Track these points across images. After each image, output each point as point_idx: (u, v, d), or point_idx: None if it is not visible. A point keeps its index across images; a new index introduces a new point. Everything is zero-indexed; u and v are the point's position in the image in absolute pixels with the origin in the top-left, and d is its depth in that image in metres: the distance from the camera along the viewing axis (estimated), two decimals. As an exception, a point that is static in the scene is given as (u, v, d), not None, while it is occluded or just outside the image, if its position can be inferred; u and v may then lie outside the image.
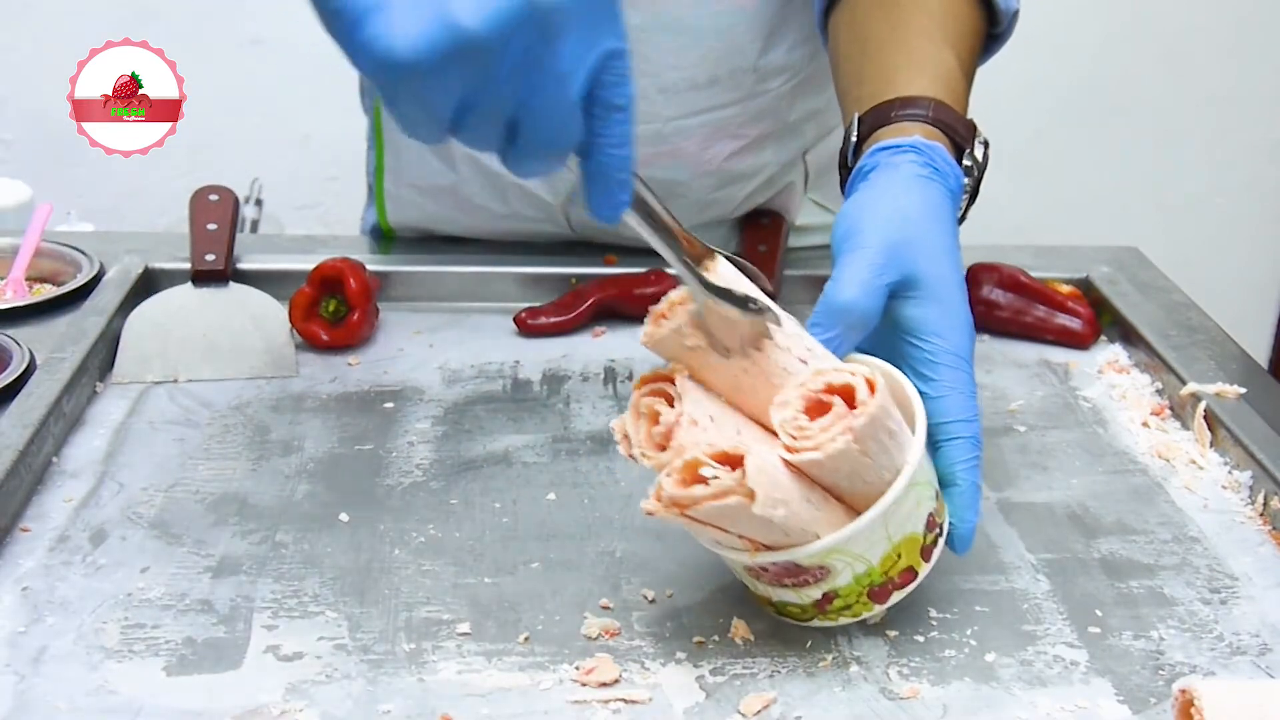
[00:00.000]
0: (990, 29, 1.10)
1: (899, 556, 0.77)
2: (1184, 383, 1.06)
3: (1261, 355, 2.67)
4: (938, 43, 1.02)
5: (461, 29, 0.61)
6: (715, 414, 0.76)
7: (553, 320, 1.19)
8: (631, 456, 0.75)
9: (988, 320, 1.20)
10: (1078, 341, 1.18)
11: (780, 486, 0.71)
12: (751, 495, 0.69)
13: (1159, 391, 1.10)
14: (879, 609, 0.79)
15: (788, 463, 0.73)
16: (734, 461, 0.70)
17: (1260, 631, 0.82)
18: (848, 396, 0.73)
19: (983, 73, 1.13)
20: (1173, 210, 2.60)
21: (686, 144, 1.22)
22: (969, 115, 0.98)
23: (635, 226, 0.74)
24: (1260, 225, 2.66)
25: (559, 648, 0.79)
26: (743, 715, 0.74)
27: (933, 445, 0.82)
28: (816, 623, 0.79)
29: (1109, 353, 1.18)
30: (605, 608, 0.83)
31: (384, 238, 1.37)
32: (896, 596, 0.78)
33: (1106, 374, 1.14)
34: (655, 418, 0.74)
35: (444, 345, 1.17)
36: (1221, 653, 0.80)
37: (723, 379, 0.77)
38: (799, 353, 0.77)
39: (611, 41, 0.66)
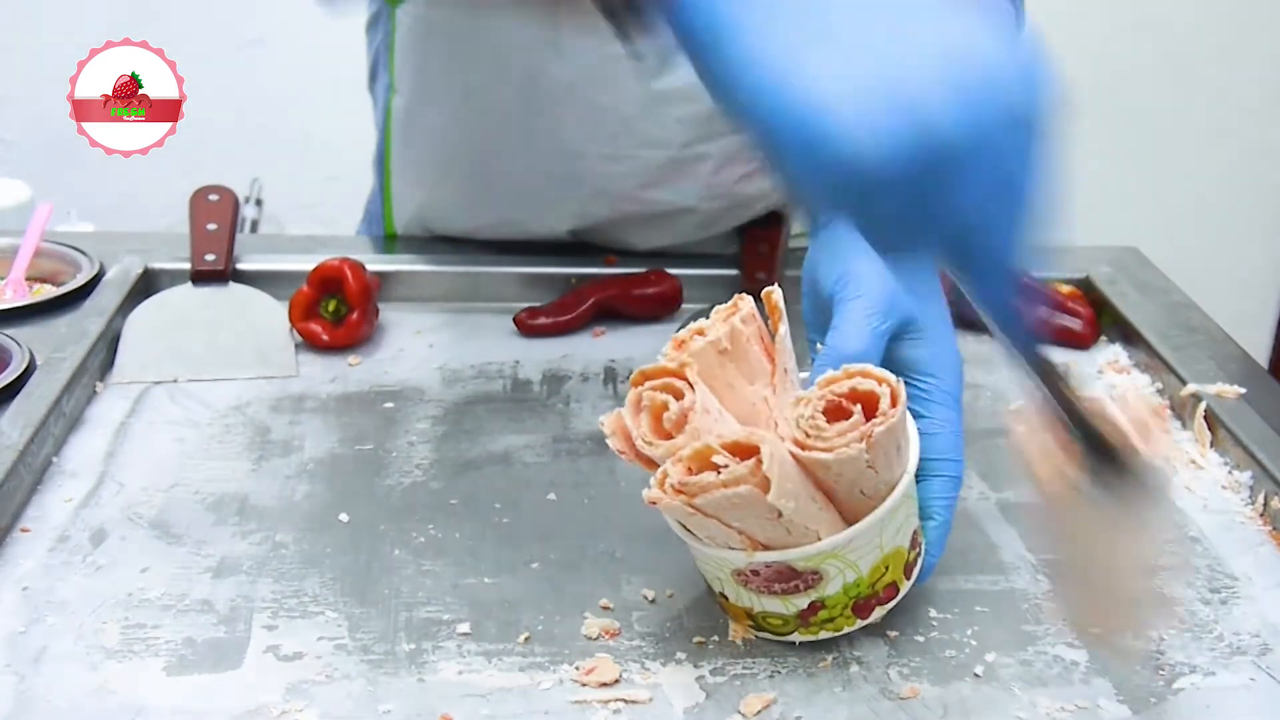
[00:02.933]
0: None
1: (886, 569, 0.77)
2: (1184, 383, 1.06)
3: (1261, 355, 2.67)
4: None
5: (938, 136, 0.53)
6: (718, 409, 0.76)
7: (553, 320, 1.19)
8: (622, 452, 0.74)
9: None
10: (1078, 341, 1.18)
11: (792, 479, 0.71)
12: (766, 485, 0.69)
13: (1159, 391, 1.10)
14: (859, 623, 0.78)
15: (796, 459, 0.73)
16: (744, 453, 0.70)
17: (1260, 631, 0.82)
18: (869, 404, 0.73)
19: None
20: (1173, 210, 2.59)
21: (699, 168, 1.22)
22: None
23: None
24: (1260, 225, 2.66)
25: (559, 648, 0.79)
26: (743, 715, 0.74)
27: (918, 479, 0.82)
28: (796, 636, 0.78)
29: (1109, 353, 1.18)
30: (605, 608, 0.83)
31: (385, 235, 1.37)
32: (878, 612, 0.78)
33: (1106, 374, 1.14)
34: (659, 410, 0.74)
35: (444, 345, 1.17)
36: (1221, 653, 0.80)
37: (738, 403, 0.77)
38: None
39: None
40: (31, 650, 0.78)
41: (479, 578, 0.86)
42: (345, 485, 0.96)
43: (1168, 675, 0.78)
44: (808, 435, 0.73)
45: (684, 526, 0.75)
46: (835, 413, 0.73)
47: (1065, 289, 1.21)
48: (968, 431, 1.04)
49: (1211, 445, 1.01)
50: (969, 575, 0.87)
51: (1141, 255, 1.33)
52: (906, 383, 0.83)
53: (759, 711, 0.74)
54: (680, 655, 0.79)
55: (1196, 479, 0.98)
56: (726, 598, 0.79)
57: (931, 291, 0.87)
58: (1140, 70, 2.53)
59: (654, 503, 0.71)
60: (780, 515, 0.70)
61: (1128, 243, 1.36)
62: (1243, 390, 1.05)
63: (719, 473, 0.69)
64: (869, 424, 0.72)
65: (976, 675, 0.78)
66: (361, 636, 0.80)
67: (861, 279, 0.84)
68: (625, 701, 0.75)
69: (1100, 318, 1.20)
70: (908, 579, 0.79)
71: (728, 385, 0.78)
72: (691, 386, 0.74)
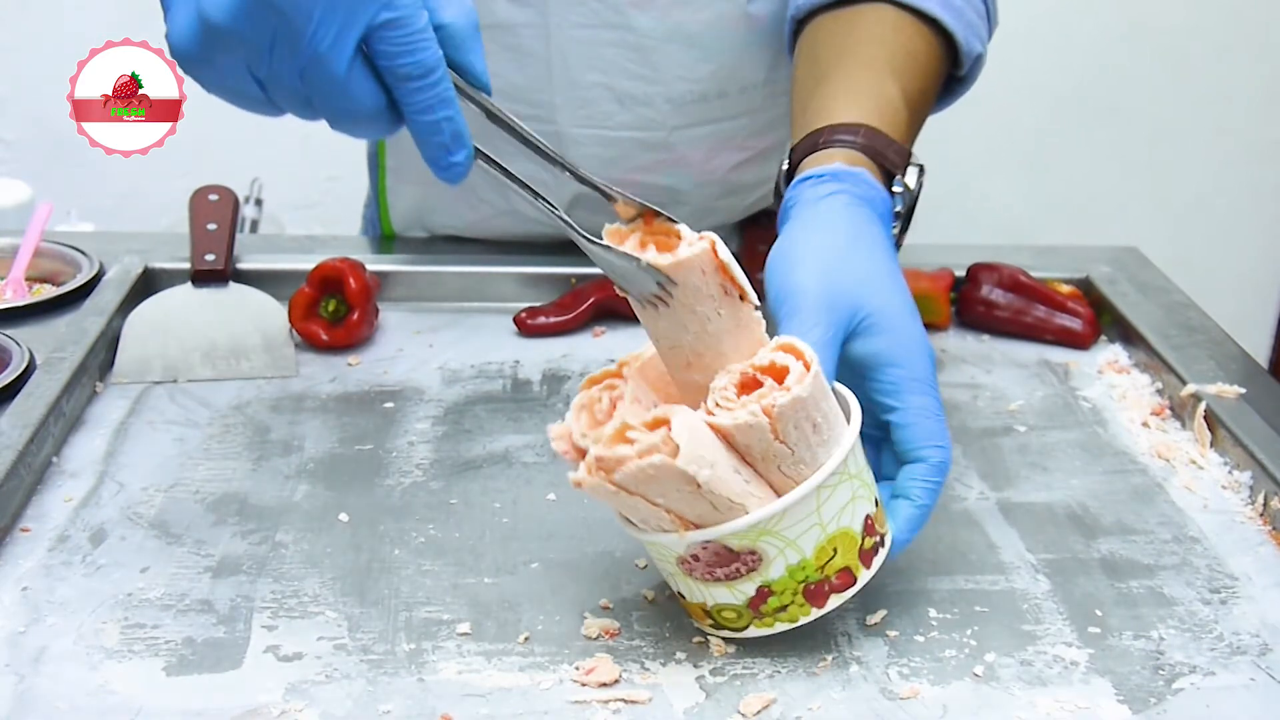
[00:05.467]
0: (954, 71, 1.10)
1: (834, 552, 0.76)
2: (1184, 383, 1.07)
3: (1261, 355, 2.67)
4: (881, 73, 1.01)
5: (207, 19, 0.69)
6: (652, 399, 0.77)
7: (553, 320, 1.19)
8: (566, 453, 0.75)
9: (988, 320, 1.20)
10: (1078, 341, 1.18)
11: (706, 446, 0.71)
12: (675, 451, 0.69)
13: (1159, 391, 1.10)
14: (816, 613, 0.77)
15: (715, 429, 0.73)
16: (659, 426, 0.71)
17: (1260, 631, 0.82)
18: (783, 378, 0.73)
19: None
20: (1173, 210, 2.59)
21: (692, 153, 1.22)
22: (915, 151, 0.98)
23: (496, 178, 0.76)
24: (1260, 225, 2.66)
25: (559, 648, 0.79)
26: (743, 715, 0.74)
27: (900, 463, 0.82)
28: (752, 630, 0.78)
29: (1109, 353, 1.18)
30: (605, 608, 0.83)
31: (384, 237, 1.37)
32: (834, 601, 0.77)
33: (1106, 374, 1.14)
34: (594, 405, 0.76)
35: (444, 345, 1.17)
36: (1221, 653, 0.80)
37: (681, 351, 0.77)
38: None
39: (376, 14, 0.68)
40: (31, 650, 0.78)
41: (479, 578, 0.86)
42: (345, 485, 0.96)
43: (1168, 675, 0.78)
44: (717, 405, 0.73)
45: (624, 518, 0.76)
46: (753, 385, 0.74)
47: (1065, 289, 1.21)
48: (968, 431, 1.04)
49: (1211, 445, 1.01)
50: (969, 575, 0.87)
51: (1141, 255, 1.33)
52: (871, 377, 0.83)
53: (759, 711, 0.74)
54: (680, 655, 0.79)
55: (1196, 479, 0.98)
56: (683, 596, 0.79)
57: (882, 278, 0.86)
58: (1140, 70, 2.52)
59: (579, 484, 0.72)
60: (699, 486, 0.70)
61: (1128, 243, 1.36)
62: (1243, 390, 1.05)
63: (632, 445, 0.70)
64: (772, 395, 0.72)
65: (976, 675, 0.78)
66: (361, 636, 0.80)
67: (794, 294, 0.83)
68: (625, 701, 0.75)
69: (1100, 318, 1.20)
70: (866, 567, 0.78)
71: (682, 388, 0.78)
72: (626, 380, 0.76)
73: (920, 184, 0.97)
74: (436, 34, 0.71)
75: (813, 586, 0.76)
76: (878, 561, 0.79)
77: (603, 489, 0.72)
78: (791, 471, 0.74)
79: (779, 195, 0.96)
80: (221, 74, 0.71)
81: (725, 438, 0.73)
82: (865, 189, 0.90)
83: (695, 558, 0.75)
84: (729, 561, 0.75)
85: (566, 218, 0.76)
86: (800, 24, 1.11)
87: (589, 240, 0.76)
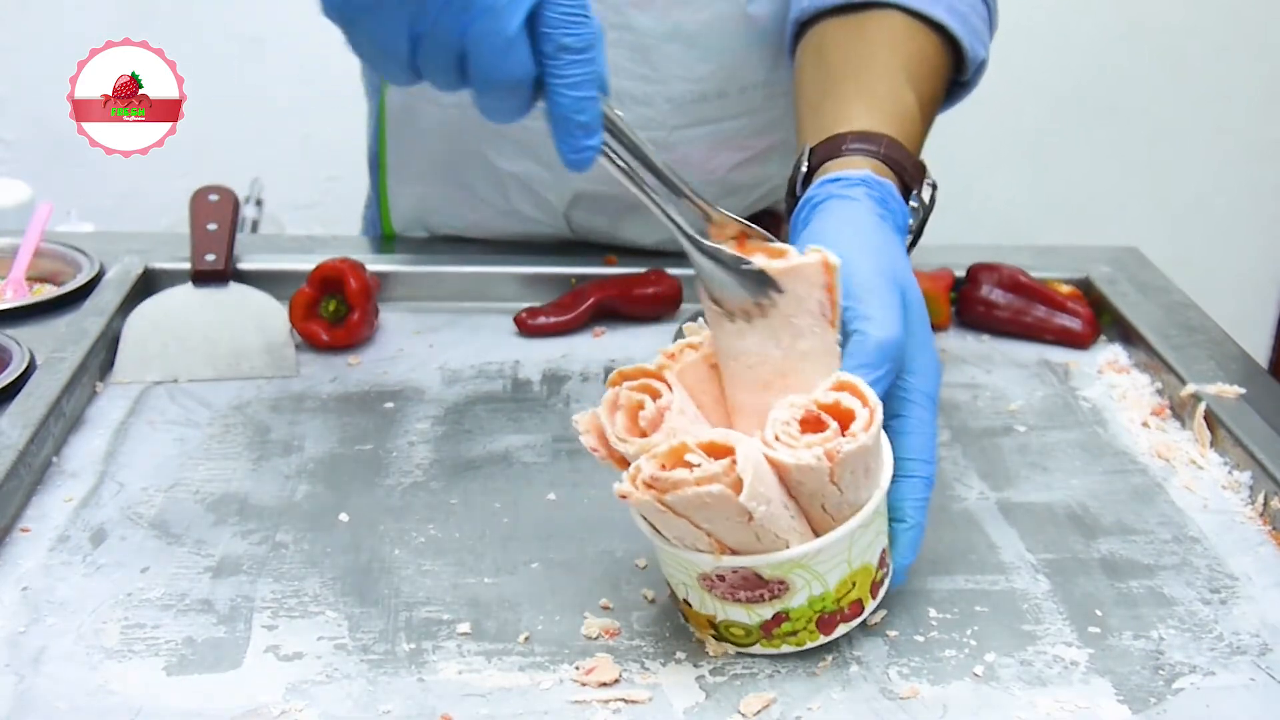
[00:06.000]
0: (956, 76, 1.10)
1: (853, 585, 0.76)
2: (1184, 383, 1.07)
3: (1261, 355, 2.67)
4: (899, 82, 1.01)
5: None
6: (695, 411, 0.76)
7: (553, 320, 1.19)
8: (595, 450, 0.74)
9: (988, 320, 1.20)
10: (1078, 341, 1.18)
11: (765, 483, 0.70)
12: (738, 486, 0.68)
13: (1159, 391, 1.10)
14: (822, 639, 0.77)
15: (771, 462, 0.72)
16: (718, 452, 0.70)
17: (1260, 631, 0.82)
18: (846, 421, 0.73)
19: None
20: (1173, 210, 2.59)
21: (691, 152, 1.22)
22: (921, 157, 0.98)
23: (615, 175, 0.75)
24: (1260, 225, 2.66)
25: (559, 648, 0.79)
26: (743, 715, 0.74)
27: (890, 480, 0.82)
28: (758, 648, 0.78)
29: (1109, 353, 1.18)
30: (605, 608, 0.83)
31: (384, 237, 1.37)
32: (841, 629, 0.78)
33: (1106, 374, 1.14)
34: (635, 409, 0.74)
35: (444, 345, 1.17)
36: (1221, 653, 0.80)
37: (723, 418, 0.76)
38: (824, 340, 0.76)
39: None
40: (31, 650, 0.78)
41: (479, 578, 0.86)
42: (345, 485, 0.96)
43: (1168, 675, 0.78)
44: (777, 438, 0.72)
45: (653, 527, 0.75)
46: (814, 424, 0.73)
47: (1065, 289, 1.21)
48: (968, 431, 1.04)
49: (1211, 445, 1.01)
50: (969, 575, 0.87)
51: (1141, 255, 1.33)
52: None
53: (759, 711, 0.74)
54: (680, 655, 0.79)
55: (1196, 479, 0.98)
56: (690, 604, 0.78)
57: (914, 289, 0.86)
58: (1140, 70, 2.53)
59: (624, 497, 0.71)
60: (751, 519, 0.70)
61: (1128, 243, 1.36)
62: (1243, 390, 1.05)
63: (692, 470, 0.69)
64: (837, 440, 0.71)
65: (976, 675, 0.78)
66: (361, 636, 0.80)
67: (865, 270, 0.82)
68: (625, 701, 0.75)
69: (1100, 318, 1.20)
70: (873, 598, 0.79)
71: (715, 399, 0.78)
72: (670, 387, 0.74)
73: (934, 200, 0.96)
74: None
75: (826, 616, 0.77)
76: (882, 592, 0.80)
77: (650, 506, 0.71)
78: (834, 510, 0.74)
79: (793, 195, 0.95)
80: (378, 25, 0.71)
81: (780, 472, 0.72)
82: (892, 202, 0.90)
83: (721, 578, 0.75)
84: (756, 587, 0.75)
85: (677, 219, 0.76)
86: (803, 26, 1.11)
87: (697, 242, 0.75)
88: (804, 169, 0.95)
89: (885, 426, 0.82)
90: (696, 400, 0.77)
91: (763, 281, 0.74)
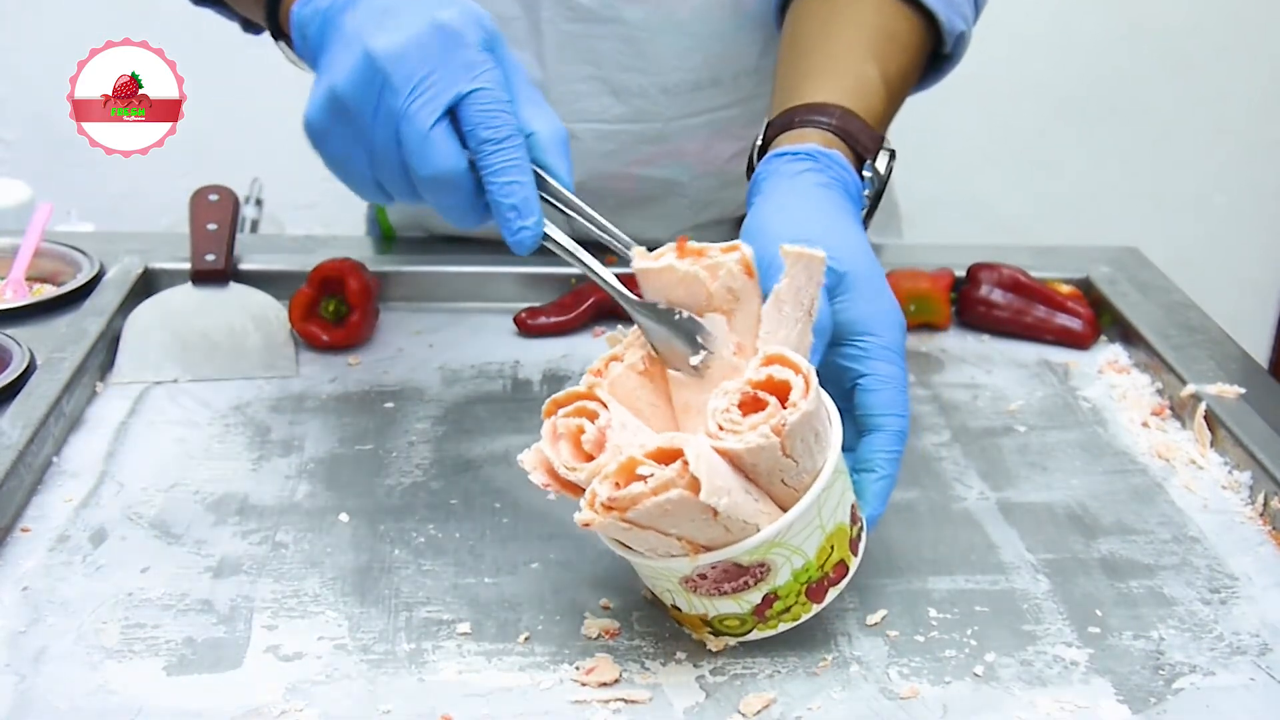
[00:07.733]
0: (938, 49, 1.10)
1: (832, 549, 0.76)
2: (1184, 383, 1.07)
3: (1261, 355, 2.67)
4: (861, 55, 1.01)
5: (333, 88, 0.78)
6: (635, 422, 0.76)
7: (553, 320, 1.19)
8: (547, 485, 0.74)
9: (988, 320, 1.20)
10: (1078, 341, 1.18)
11: (721, 474, 0.70)
12: (696, 485, 0.68)
13: (1159, 391, 1.10)
14: (816, 608, 0.78)
15: (721, 453, 0.72)
16: (668, 457, 0.70)
17: (1260, 631, 0.82)
18: (784, 394, 0.73)
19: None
20: (1173, 210, 2.59)
21: (689, 144, 1.23)
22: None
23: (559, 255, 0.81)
24: (1260, 225, 2.66)
25: (559, 648, 0.79)
26: (743, 715, 0.74)
27: (860, 433, 0.83)
28: (755, 634, 0.78)
29: (1109, 353, 1.18)
30: (605, 608, 0.83)
31: (384, 237, 1.37)
32: (832, 594, 0.78)
33: (1106, 374, 1.14)
34: (577, 435, 0.73)
35: (444, 345, 1.17)
36: (1221, 653, 0.80)
37: (663, 422, 0.78)
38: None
39: (464, 85, 0.77)
40: (31, 650, 0.78)
41: (479, 578, 0.86)
42: (345, 485, 0.96)
43: (1168, 675, 0.78)
44: (721, 428, 0.72)
45: (624, 545, 0.75)
46: (753, 404, 0.73)
47: (1065, 289, 1.21)
48: (968, 431, 1.04)
49: (1211, 445, 1.01)
50: (969, 575, 0.87)
51: (1141, 255, 1.33)
52: (844, 343, 0.83)
53: (759, 711, 0.74)
54: (680, 655, 0.79)
55: (1196, 479, 0.98)
56: (680, 609, 0.78)
57: (858, 247, 0.86)
58: (1140, 70, 2.52)
59: (587, 525, 0.71)
60: (716, 513, 0.70)
61: (1128, 243, 1.36)
62: (1243, 390, 1.05)
63: (646, 482, 0.69)
64: (780, 414, 0.71)
65: (976, 675, 0.78)
66: (361, 636, 0.80)
67: (771, 265, 0.82)
68: (625, 701, 0.75)
69: (1100, 318, 1.20)
70: (855, 555, 0.79)
71: (650, 405, 0.78)
72: (604, 405, 0.74)
73: (890, 169, 0.97)
74: (526, 140, 0.79)
75: (814, 585, 0.77)
76: (862, 546, 0.80)
77: (614, 527, 0.71)
78: (794, 482, 0.74)
79: (751, 169, 0.96)
80: (339, 144, 0.80)
81: (733, 460, 0.72)
82: (837, 171, 0.91)
83: (702, 576, 0.75)
84: (737, 576, 0.75)
85: (617, 286, 0.80)
86: (786, 3, 1.12)
87: (633, 302, 0.79)
88: (758, 143, 0.96)
89: (851, 388, 0.83)
90: (633, 409, 0.77)
91: (693, 330, 0.77)
